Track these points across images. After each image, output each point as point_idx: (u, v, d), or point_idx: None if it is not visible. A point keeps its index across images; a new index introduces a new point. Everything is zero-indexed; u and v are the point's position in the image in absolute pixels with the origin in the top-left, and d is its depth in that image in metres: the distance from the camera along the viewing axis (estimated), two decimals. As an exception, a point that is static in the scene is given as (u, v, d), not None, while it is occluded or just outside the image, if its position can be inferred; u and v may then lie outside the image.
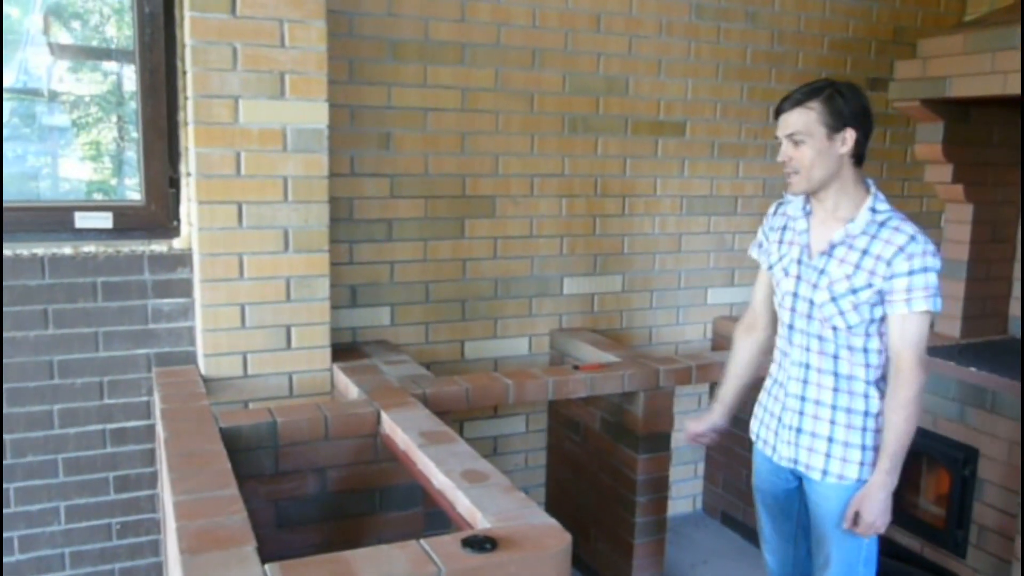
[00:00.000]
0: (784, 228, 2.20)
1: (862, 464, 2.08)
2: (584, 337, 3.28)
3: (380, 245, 3.05)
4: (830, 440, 2.11)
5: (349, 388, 2.60)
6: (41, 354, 2.57)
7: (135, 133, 2.71)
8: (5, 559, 2.64)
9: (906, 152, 3.98)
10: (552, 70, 3.21)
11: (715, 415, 2.41)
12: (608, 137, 3.35)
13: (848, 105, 1.98)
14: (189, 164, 2.59)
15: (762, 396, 2.33)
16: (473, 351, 3.27)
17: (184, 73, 2.60)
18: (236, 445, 2.16)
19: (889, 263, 1.95)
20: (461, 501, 1.77)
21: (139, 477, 2.74)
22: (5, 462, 2.59)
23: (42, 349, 2.57)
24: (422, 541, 1.52)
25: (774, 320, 2.28)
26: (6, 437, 2.58)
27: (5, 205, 2.57)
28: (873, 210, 2.01)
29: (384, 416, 2.30)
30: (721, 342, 3.65)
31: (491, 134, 3.15)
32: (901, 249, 1.94)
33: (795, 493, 2.26)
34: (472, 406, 2.61)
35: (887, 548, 3.04)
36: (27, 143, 2.78)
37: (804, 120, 2.00)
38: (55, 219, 2.60)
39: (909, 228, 1.97)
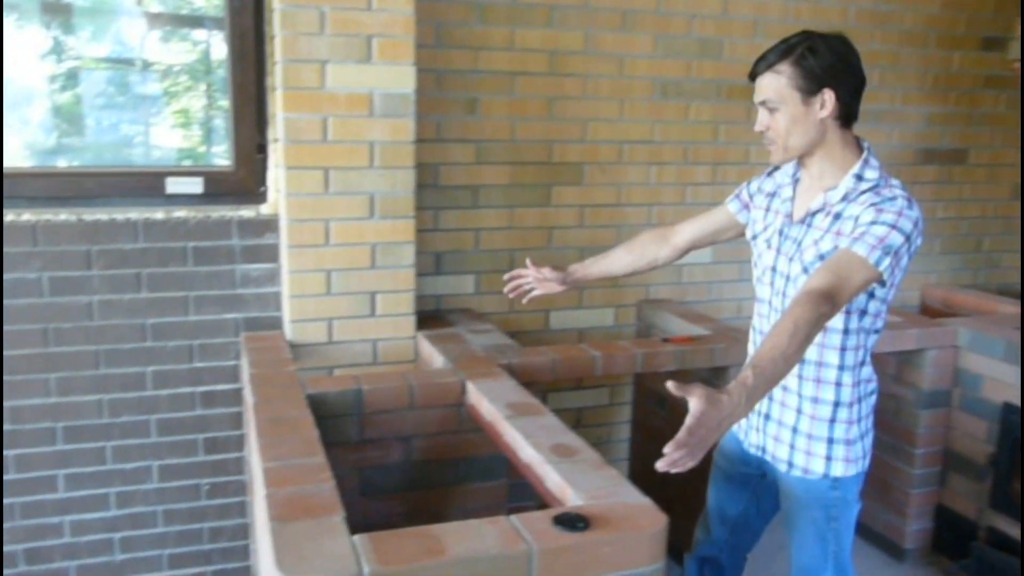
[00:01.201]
0: (773, 195, 2.01)
1: (829, 459, 1.89)
2: (671, 309, 3.19)
3: (465, 212, 3.01)
4: (794, 430, 1.92)
5: (434, 357, 2.57)
6: (136, 317, 2.62)
7: (223, 100, 2.72)
8: (103, 513, 2.72)
9: (1019, 117, 3.73)
10: (643, 32, 3.09)
11: (561, 272, 2.35)
12: (700, 103, 3.22)
13: (822, 62, 1.74)
14: (277, 130, 2.58)
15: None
16: (558, 321, 3.21)
17: (272, 38, 2.58)
18: (322, 412, 2.15)
19: (858, 218, 1.73)
20: (550, 476, 1.72)
21: (227, 440, 2.78)
22: (103, 420, 2.65)
23: (136, 312, 2.61)
24: (513, 517, 1.48)
25: (682, 251, 2.28)
26: (104, 397, 2.64)
27: (100, 170, 2.62)
28: (859, 176, 1.79)
29: (470, 386, 2.26)
30: (815, 317, 3.50)
31: (579, 99, 3.06)
32: (874, 204, 1.72)
33: (754, 480, 2.11)
34: (558, 378, 2.55)
35: (994, 538, 2.88)
36: (121, 111, 2.82)
37: (775, 85, 1.78)
38: (147, 184, 2.62)
39: (896, 192, 1.73)
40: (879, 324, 1.88)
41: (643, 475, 3.29)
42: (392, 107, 2.58)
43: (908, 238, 1.71)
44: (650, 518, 1.53)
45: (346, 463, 2.22)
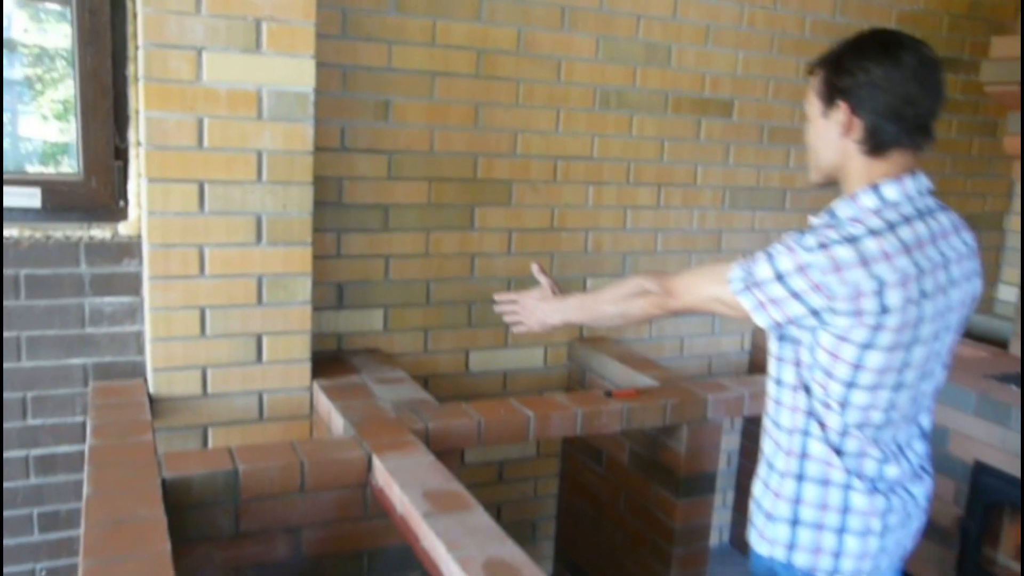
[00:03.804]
0: None
1: (750, 521, 1.60)
2: (609, 349, 2.80)
3: (374, 236, 2.54)
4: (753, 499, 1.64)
5: (333, 417, 2.10)
6: (-53, 363, 2.06)
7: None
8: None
9: (971, 144, 3.50)
10: (584, 32, 2.69)
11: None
12: (645, 115, 2.84)
13: (846, 70, 1.43)
14: (140, 131, 2.07)
15: None
16: (480, 362, 2.77)
17: (135, 16, 2.07)
18: (185, 501, 1.67)
19: None
20: (487, 615, 1.29)
21: (70, 514, 2.24)
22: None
23: (-52, 357, 2.06)
24: None
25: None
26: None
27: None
28: (831, 212, 1.48)
29: (377, 462, 1.80)
30: (761, 356, 3.18)
31: (510, 107, 2.64)
32: (782, 238, 1.45)
33: None
34: (485, 442, 2.12)
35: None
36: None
37: (807, 91, 1.53)
38: (-33, 194, 2.07)
39: (827, 232, 1.39)
40: (833, 403, 1.46)
41: (574, 537, 2.89)
42: (286, 108, 2.10)
43: (779, 276, 1.39)
44: None
45: (217, 563, 1.74)
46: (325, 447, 1.87)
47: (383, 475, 1.77)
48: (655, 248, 2.97)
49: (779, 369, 1.52)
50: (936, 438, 2.66)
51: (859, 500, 1.48)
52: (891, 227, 1.39)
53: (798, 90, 3.07)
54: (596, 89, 2.75)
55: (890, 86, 1.40)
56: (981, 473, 2.53)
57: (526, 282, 2.74)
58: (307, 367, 2.26)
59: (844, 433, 1.47)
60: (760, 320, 1.43)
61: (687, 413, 2.32)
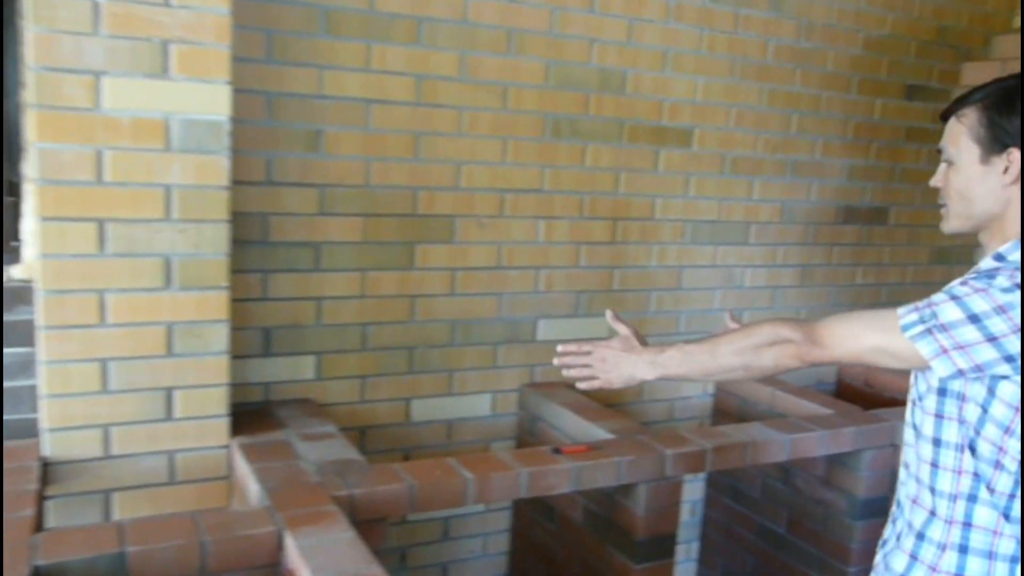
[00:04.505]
0: None
1: None
2: (562, 398, 2.60)
3: (304, 276, 2.33)
4: (884, 559, 1.52)
5: (249, 482, 1.88)
6: None
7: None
8: None
9: (941, 174, 3.37)
10: (532, 57, 2.52)
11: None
12: (599, 145, 2.67)
13: (1017, 114, 1.33)
14: (32, 165, 1.85)
15: None
16: (422, 412, 2.56)
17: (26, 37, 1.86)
18: (60, 593, 1.44)
19: None
20: None
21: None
22: None
23: None
24: None
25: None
26: None
27: None
28: (1000, 256, 1.37)
29: (289, 541, 1.59)
30: (726, 399, 3.00)
31: (452, 136, 2.45)
32: (964, 281, 1.34)
33: None
34: (418, 509, 1.90)
35: None
36: None
37: (954, 133, 1.42)
38: None
39: (1005, 277, 1.29)
40: (1008, 462, 1.36)
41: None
42: (198, 139, 1.90)
43: (974, 318, 1.27)
44: None
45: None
46: (232, 522, 1.65)
47: (295, 557, 1.55)
48: (611, 286, 2.79)
49: (940, 428, 1.40)
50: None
51: None
52: None
53: (761, 118, 2.93)
54: (546, 117, 2.57)
55: None
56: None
57: (470, 326, 2.56)
58: (225, 423, 2.05)
59: (1013, 496, 1.37)
60: (942, 368, 1.31)
61: (644, 471, 2.12)
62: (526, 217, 2.61)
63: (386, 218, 2.40)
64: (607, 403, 2.63)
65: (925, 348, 1.30)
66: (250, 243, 2.23)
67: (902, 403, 2.85)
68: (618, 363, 1.60)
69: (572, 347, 1.66)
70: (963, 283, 1.32)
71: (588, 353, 1.64)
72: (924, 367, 1.33)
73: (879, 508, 2.55)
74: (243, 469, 1.95)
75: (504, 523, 2.76)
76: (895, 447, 2.52)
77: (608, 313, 1.71)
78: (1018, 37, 2.50)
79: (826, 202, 3.14)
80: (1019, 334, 1.26)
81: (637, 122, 2.72)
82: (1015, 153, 1.34)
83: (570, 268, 2.71)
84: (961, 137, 1.40)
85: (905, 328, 1.32)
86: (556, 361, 1.66)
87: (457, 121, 2.45)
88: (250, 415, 2.21)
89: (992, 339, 1.26)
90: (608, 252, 2.76)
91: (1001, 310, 1.26)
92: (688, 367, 1.52)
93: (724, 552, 3.00)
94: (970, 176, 1.40)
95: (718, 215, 2.93)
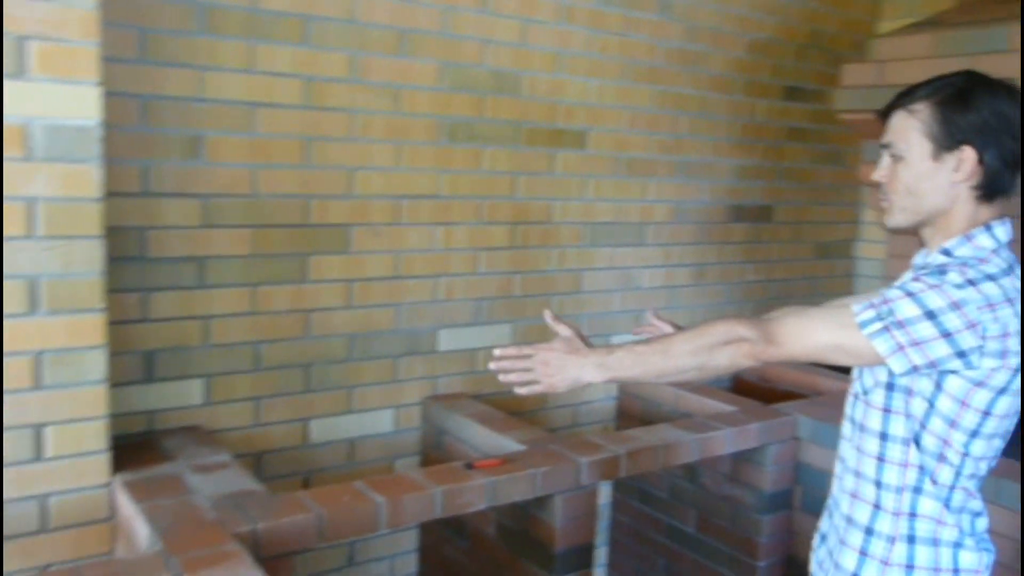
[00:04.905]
0: None
1: None
2: (467, 409, 2.52)
3: (189, 294, 2.16)
4: (829, 554, 1.54)
5: (136, 523, 1.71)
6: None
7: None
8: None
9: (821, 172, 3.49)
10: (425, 58, 2.43)
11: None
12: (496, 148, 2.61)
13: (971, 112, 1.34)
14: None
15: None
16: (322, 432, 2.42)
17: None
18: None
19: None
20: None
21: None
22: None
23: None
24: None
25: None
26: None
27: None
28: (947, 252, 1.38)
29: (188, 587, 1.44)
30: (629, 402, 2.99)
31: (344, 141, 2.33)
32: (917, 277, 1.33)
33: None
34: (327, 539, 1.78)
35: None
36: None
37: (904, 128, 1.39)
38: None
39: (965, 271, 1.30)
40: (951, 455, 1.38)
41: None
42: (65, 146, 1.71)
43: (930, 315, 1.26)
44: None
45: None
46: (119, 572, 1.49)
47: (196, 604, 1.41)
48: (512, 292, 2.73)
49: (887, 423, 1.40)
50: (813, 479, 2.54)
51: (968, 558, 1.40)
52: (1010, 268, 1.35)
53: (654, 120, 2.94)
54: (441, 120, 2.49)
55: (1011, 127, 1.32)
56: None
57: (369, 339, 2.45)
58: (104, 459, 1.86)
59: (953, 487, 1.40)
60: (897, 365, 1.29)
61: (559, 482, 2.06)
62: (423, 224, 2.51)
63: (276, 229, 2.26)
64: (511, 411, 2.56)
65: (882, 345, 1.29)
66: (127, 260, 2.04)
67: (798, 396, 2.93)
68: (563, 366, 1.47)
69: (511, 351, 1.55)
70: (916, 279, 1.31)
71: (528, 357, 1.52)
72: (878, 363, 1.32)
73: (784, 501, 2.58)
74: (128, 509, 1.78)
75: (412, 543, 2.65)
76: (797, 440, 2.56)
77: (547, 314, 1.64)
78: (894, 40, 2.59)
79: (717, 202, 3.18)
80: (971, 330, 1.26)
81: (533, 125, 2.67)
82: (968, 151, 1.34)
83: (470, 275, 2.63)
84: (912, 132, 1.38)
85: (863, 325, 1.30)
86: (493, 365, 1.55)
87: (349, 125, 2.33)
88: (133, 448, 2.02)
89: (947, 335, 1.26)
90: (508, 257, 2.70)
91: (955, 306, 1.26)
92: (640, 368, 1.43)
93: (634, 555, 2.99)
94: (920, 172, 1.38)
95: (615, 217, 2.92)
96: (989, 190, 1.36)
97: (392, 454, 2.56)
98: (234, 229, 2.20)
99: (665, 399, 2.83)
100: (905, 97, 1.41)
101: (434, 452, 2.54)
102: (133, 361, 2.11)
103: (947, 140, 1.35)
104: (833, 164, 3.50)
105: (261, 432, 2.32)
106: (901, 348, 1.28)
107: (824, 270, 3.58)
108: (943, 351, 1.27)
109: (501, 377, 1.56)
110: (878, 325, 1.29)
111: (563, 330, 1.56)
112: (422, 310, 2.55)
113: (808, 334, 1.36)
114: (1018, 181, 1.38)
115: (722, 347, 1.37)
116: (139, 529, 1.68)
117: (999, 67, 1.89)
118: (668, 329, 1.76)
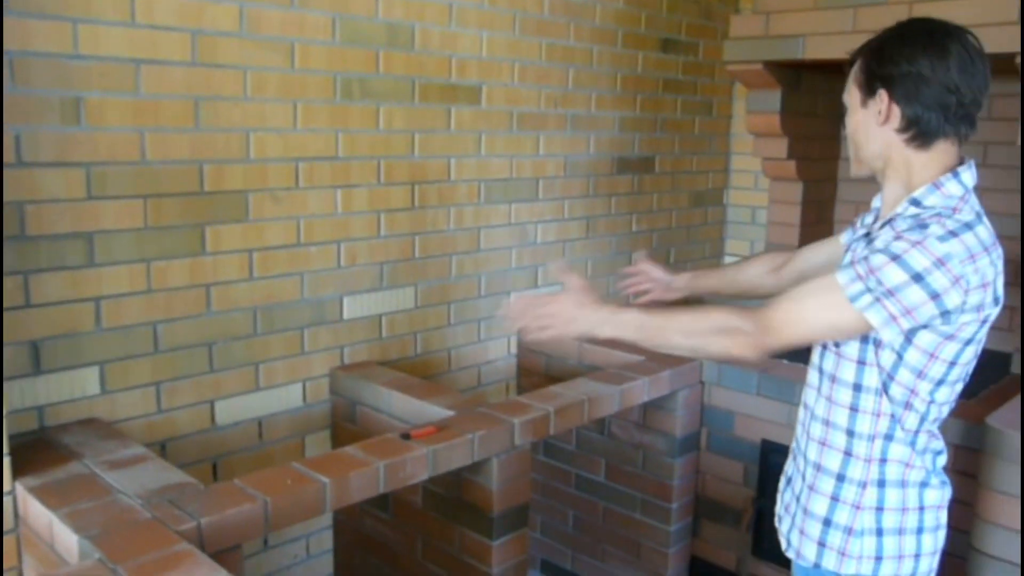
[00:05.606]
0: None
1: (821, 545, 1.51)
2: (377, 376, 2.44)
3: (76, 274, 1.95)
4: (796, 500, 1.60)
5: (58, 532, 1.54)
6: None
7: None
8: None
9: (693, 124, 3.58)
10: (318, 10, 2.28)
11: (673, 275, 1.97)
12: (392, 105, 2.50)
13: (887, 59, 1.39)
14: None
15: None
16: (228, 413, 2.28)
17: None
18: None
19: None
20: None
21: None
22: None
23: None
24: None
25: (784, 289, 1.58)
26: None
27: None
28: (915, 202, 1.40)
29: (145, 596, 1.31)
30: (531, 358, 2.99)
31: (237, 101, 2.16)
32: (898, 235, 1.35)
33: None
34: (275, 527, 1.67)
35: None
36: None
37: (848, 82, 1.49)
38: None
39: (944, 223, 1.32)
40: (917, 403, 1.44)
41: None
42: (-66, 113, 1.48)
43: (917, 277, 1.28)
44: None
45: None
46: (61, 587, 1.33)
47: (159, 614, 1.28)
48: (413, 254, 2.64)
49: (861, 374, 1.43)
50: (720, 421, 2.65)
51: (931, 495, 1.48)
52: (980, 215, 1.38)
53: (543, 73, 2.91)
54: (336, 77, 2.35)
55: (934, 76, 1.34)
56: (769, 451, 2.54)
57: (273, 311, 2.32)
58: (3, 465, 1.66)
59: (918, 431, 1.46)
60: (889, 334, 1.33)
61: (495, 444, 2.04)
62: (323, 187, 2.38)
63: (169, 198, 2.07)
64: (418, 376, 2.50)
65: (875, 317, 1.32)
66: (3, 239, 1.81)
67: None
68: (574, 318, 1.54)
69: (525, 300, 1.63)
70: (897, 238, 1.33)
71: (542, 305, 1.58)
72: (869, 332, 1.36)
73: (693, 444, 2.68)
74: (42, 518, 1.60)
75: (327, 519, 2.55)
76: (703, 383, 2.65)
77: (558, 264, 1.73)
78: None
79: (603, 154, 3.20)
80: (956, 286, 1.30)
81: (428, 80, 2.57)
82: (882, 94, 1.40)
83: (371, 239, 2.53)
84: (851, 85, 1.47)
85: (853, 299, 1.32)
86: (501, 312, 1.64)
87: (241, 83, 2.16)
88: (27, 448, 1.82)
89: (935, 296, 1.30)
90: (408, 218, 2.61)
91: (940, 263, 1.29)
92: (639, 335, 1.50)
93: (543, 509, 3.02)
94: (856, 120, 1.47)
95: (509, 173, 2.88)
96: (917, 134, 1.40)
97: (303, 430, 2.45)
98: (123, 200, 1.99)
99: (569, 352, 2.85)
100: (855, 53, 1.48)
101: (347, 424, 2.45)
102: (18, 353, 1.88)
103: (868, 87, 1.43)
104: (705, 115, 3.61)
105: (164, 419, 2.15)
106: (894, 319, 1.32)
107: (699, 218, 3.71)
108: (931, 312, 1.32)
109: (510, 324, 1.62)
110: (868, 298, 1.32)
111: (574, 282, 1.59)
112: (325, 278, 2.43)
113: (804, 320, 1.39)
114: (955, 125, 1.40)
115: (717, 335, 1.41)
116: (64, 538, 1.51)
117: (881, 19, 1.99)
118: (658, 273, 1.93)
